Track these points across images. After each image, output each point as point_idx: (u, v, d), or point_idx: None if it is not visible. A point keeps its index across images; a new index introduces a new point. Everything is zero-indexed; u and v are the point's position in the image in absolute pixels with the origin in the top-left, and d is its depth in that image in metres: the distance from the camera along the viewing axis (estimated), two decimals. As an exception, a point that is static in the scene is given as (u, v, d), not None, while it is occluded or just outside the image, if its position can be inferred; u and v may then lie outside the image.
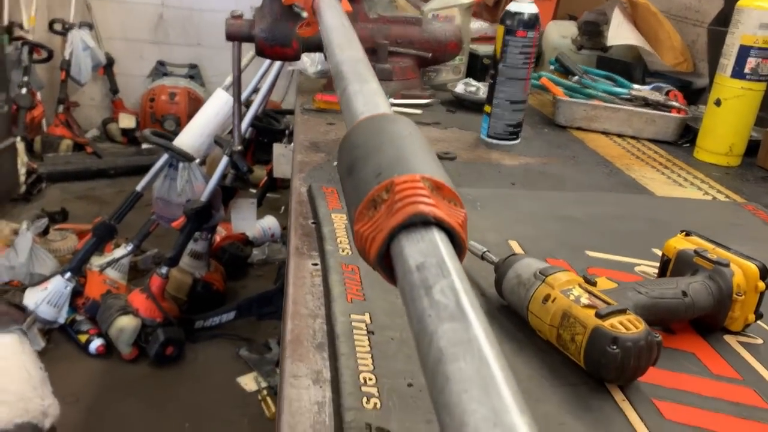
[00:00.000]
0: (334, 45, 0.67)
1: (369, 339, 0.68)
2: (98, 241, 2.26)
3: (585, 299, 0.69)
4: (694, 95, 1.47)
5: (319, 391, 0.65)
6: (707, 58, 1.45)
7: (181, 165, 2.16)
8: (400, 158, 0.53)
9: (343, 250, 0.84)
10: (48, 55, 3.47)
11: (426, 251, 0.36)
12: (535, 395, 0.63)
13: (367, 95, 0.56)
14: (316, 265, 0.83)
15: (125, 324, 2.17)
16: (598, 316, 0.66)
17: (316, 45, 1.13)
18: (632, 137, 1.35)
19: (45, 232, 2.58)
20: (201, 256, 2.39)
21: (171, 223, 2.18)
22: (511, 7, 1.22)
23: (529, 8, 1.20)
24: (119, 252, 2.29)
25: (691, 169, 1.21)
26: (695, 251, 0.78)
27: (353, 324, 0.70)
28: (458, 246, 0.52)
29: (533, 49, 1.21)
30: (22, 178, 2.98)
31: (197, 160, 2.18)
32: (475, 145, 1.27)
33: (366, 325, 0.71)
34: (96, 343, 2.24)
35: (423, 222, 0.54)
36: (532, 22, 1.19)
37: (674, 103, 1.33)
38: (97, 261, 2.30)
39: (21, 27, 3.47)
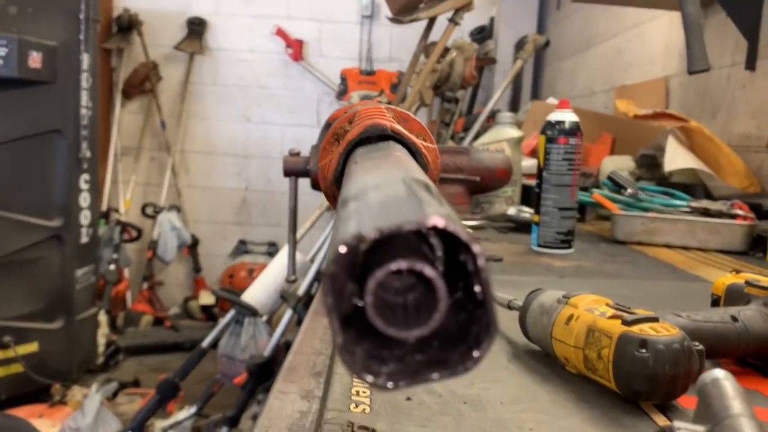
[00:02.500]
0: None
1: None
2: (161, 399, 2.23)
3: (611, 312, 0.62)
4: (765, 216, 1.39)
5: (306, 403, 0.59)
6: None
7: (246, 320, 2.16)
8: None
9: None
10: (137, 234, 3.69)
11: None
12: (554, 414, 0.54)
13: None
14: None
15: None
16: (625, 323, 0.58)
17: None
18: (697, 249, 1.27)
19: (114, 396, 2.58)
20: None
21: (233, 379, 2.14)
22: (551, 117, 1.22)
23: (569, 116, 1.20)
24: (182, 414, 2.24)
25: (765, 271, 1.11)
26: (746, 282, 0.69)
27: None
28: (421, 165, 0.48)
29: (577, 155, 1.20)
30: (101, 349, 3.05)
31: (264, 317, 2.19)
32: (526, 252, 1.22)
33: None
34: None
35: (380, 135, 0.51)
36: (573, 130, 1.19)
37: (739, 212, 1.26)
38: (160, 424, 2.25)
39: (117, 211, 3.74)
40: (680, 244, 1.28)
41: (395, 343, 0.26)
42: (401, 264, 0.23)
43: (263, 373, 2.03)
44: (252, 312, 2.14)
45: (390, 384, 0.25)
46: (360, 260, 0.25)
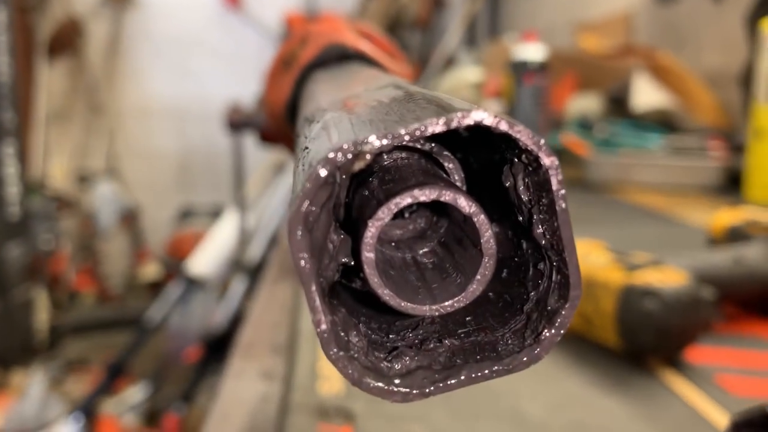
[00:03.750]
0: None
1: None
2: (110, 377, 2.14)
3: (609, 260, 0.54)
4: (738, 150, 1.36)
5: (267, 384, 0.51)
6: (742, 109, 1.36)
7: (194, 292, 2.07)
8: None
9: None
10: (73, 205, 3.55)
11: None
12: (551, 378, 0.47)
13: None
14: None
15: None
16: (627, 270, 0.51)
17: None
18: (673, 188, 1.23)
19: (61, 377, 2.49)
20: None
21: (183, 355, 2.05)
22: (517, 52, 1.15)
23: (536, 51, 1.13)
24: (133, 392, 2.15)
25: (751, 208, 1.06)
26: (747, 222, 0.63)
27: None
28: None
29: (545, 94, 1.13)
30: (43, 330, 2.92)
31: (210, 287, 2.09)
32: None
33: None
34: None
35: (341, 56, 0.42)
36: (541, 66, 1.12)
37: (713, 149, 1.21)
38: (110, 403, 2.16)
39: (49, 181, 3.57)
40: (655, 183, 1.23)
41: (410, 325, 0.18)
42: (425, 193, 0.15)
43: (218, 348, 1.95)
44: (199, 283, 2.05)
45: (411, 391, 0.16)
46: (343, 199, 0.16)
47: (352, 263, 0.16)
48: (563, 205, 0.16)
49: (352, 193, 0.18)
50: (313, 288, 0.14)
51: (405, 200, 0.15)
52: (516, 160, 0.17)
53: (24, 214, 2.73)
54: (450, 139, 0.18)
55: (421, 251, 0.19)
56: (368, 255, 0.15)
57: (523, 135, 0.15)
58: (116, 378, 2.21)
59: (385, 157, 0.18)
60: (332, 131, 0.16)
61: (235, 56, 3.96)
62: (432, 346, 0.17)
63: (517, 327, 0.17)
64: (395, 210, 0.15)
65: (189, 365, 2.11)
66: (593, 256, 0.55)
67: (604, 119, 1.48)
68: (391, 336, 0.17)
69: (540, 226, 0.17)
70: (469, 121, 0.15)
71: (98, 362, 2.74)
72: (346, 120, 0.17)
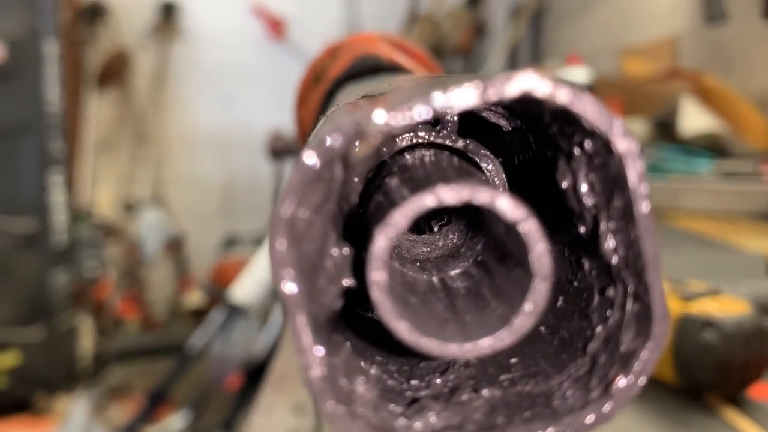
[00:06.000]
0: None
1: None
2: (151, 405, 2.12)
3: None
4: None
5: (298, 420, 0.48)
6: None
7: (236, 319, 2.05)
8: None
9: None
10: (118, 234, 3.57)
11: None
12: None
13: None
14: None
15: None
16: (684, 300, 0.48)
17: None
18: (724, 213, 1.17)
19: (103, 404, 2.48)
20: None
21: (225, 383, 2.03)
22: (562, 75, 1.12)
23: (581, 73, 1.10)
24: (174, 420, 2.14)
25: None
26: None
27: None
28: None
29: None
30: (88, 356, 2.94)
31: (254, 316, 2.08)
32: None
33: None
34: None
35: (374, 67, 0.39)
36: (587, 89, 1.08)
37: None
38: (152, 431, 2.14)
39: (96, 209, 3.60)
40: (706, 209, 1.18)
41: (438, 368, 0.14)
42: (453, 191, 0.11)
43: (260, 376, 1.93)
44: (241, 310, 2.03)
45: None
46: (352, 203, 0.13)
47: (359, 286, 0.13)
48: (645, 208, 0.12)
49: (367, 199, 0.14)
50: (302, 319, 0.11)
51: (426, 201, 0.11)
52: (578, 151, 0.13)
53: (71, 242, 2.77)
54: (490, 136, 0.14)
55: (452, 273, 0.15)
56: (377, 275, 0.11)
57: (590, 109, 0.12)
58: (158, 405, 2.19)
59: (407, 156, 0.14)
60: (335, 117, 0.13)
61: (278, 85, 3.99)
62: (465, 397, 0.13)
63: (580, 374, 0.13)
64: (413, 215, 0.11)
65: (230, 393, 2.09)
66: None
67: (652, 144, 1.43)
68: (412, 382, 0.14)
69: (610, 239, 0.13)
70: (514, 88, 0.11)
71: (141, 389, 2.75)
72: (369, 102, 0.14)
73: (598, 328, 0.13)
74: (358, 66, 0.38)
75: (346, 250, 0.13)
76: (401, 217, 0.11)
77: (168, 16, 3.93)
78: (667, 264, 0.54)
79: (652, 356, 0.12)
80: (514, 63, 3.45)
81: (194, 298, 3.87)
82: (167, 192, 4.08)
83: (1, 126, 2.44)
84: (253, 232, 3.99)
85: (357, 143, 0.11)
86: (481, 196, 0.11)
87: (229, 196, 4.17)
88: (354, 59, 0.39)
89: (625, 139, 0.12)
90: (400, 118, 0.11)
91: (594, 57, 2.48)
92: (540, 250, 0.12)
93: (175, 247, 3.95)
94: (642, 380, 0.12)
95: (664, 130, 1.51)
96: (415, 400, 0.13)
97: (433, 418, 0.13)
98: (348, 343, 0.13)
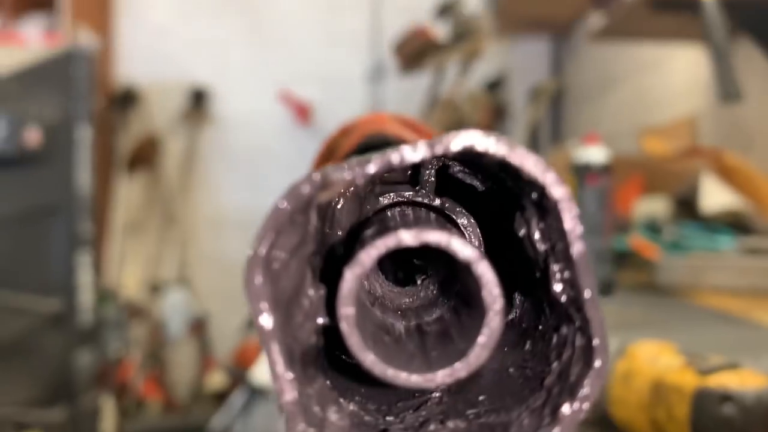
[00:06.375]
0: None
1: None
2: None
3: (681, 362, 0.51)
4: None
5: None
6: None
7: (258, 400, 2.04)
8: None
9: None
10: (143, 314, 3.59)
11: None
12: None
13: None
14: None
15: None
16: (701, 373, 0.47)
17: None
18: (749, 291, 1.16)
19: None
20: None
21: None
22: (579, 154, 1.14)
23: (597, 153, 1.11)
24: (194, 505, 2.10)
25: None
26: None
27: None
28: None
29: (609, 194, 1.10)
30: (110, 438, 2.91)
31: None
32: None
33: None
34: None
35: (381, 143, 0.40)
36: (604, 167, 1.10)
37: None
38: None
39: (121, 290, 3.64)
40: (729, 286, 1.17)
41: (414, 405, 0.15)
42: (412, 234, 0.13)
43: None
44: (262, 392, 2.02)
45: None
46: (328, 249, 0.14)
47: (332, 323, 0.14)
48: (580, 248, 0.13)
49: (350, 249, 0.15)
50: (276, 349, 0.12)
51: (387, 243, 0.13)
52: (528, 203, 0.14)
53: (96, 322, 2.79)
54: (466, 196, 0.16)
55: (427, 318, 0.16)
56: (345, 309, 0.13)
57: (526, 162, 0.13)
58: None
59: (388, 212, 0.16)
60: (311, 174, 0.15)
61: (303, 167, 3.99)
62: (432, 427, 0.15)
63: (536, 405, 0.14)
64: (377, 254, 0.13)
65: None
66: (663, 359, 0.51)
67: (673, 222, 1.43)
68: (388, 418, 0.15)
69: (558, 280, 0.14)
70: (458, 144, 0.13)
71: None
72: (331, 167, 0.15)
73: (554, 364, 0.14)
74: (367, 143, 0.39)
75: (322, 291, 0.14)
76: (366, 256, 0.13)
77: (198, 102, 4.05)
78: (687, 340, 0.54)
79: (594, 385, 0.13)
80: (534, 144, 3.50)
81: (216, 379, 3.85)
82: (192, 272, 4.12)
83: (32, 208, 2.51)
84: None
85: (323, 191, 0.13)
86: (436, 237, 0.13)
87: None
88: (364, 137, 0.41)
89: (558, 187, 0.13)
90: (357, 171, 0.12)
91: (614, 137, 2.51)
92: (490, 287, 0.13)
93: (198, 327, 3.95)
94: (586, 406, 0.13)
95: (686, 208, 1.50)
96: (385, 430, 0.14)
97: None
98: (324, 378, 0.14)
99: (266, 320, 0.12)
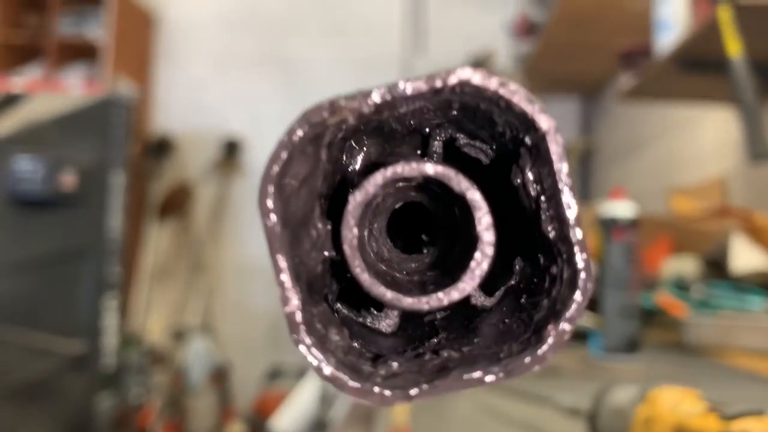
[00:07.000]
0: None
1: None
2: None
3: (703, 408, 0.50)
4: None
5: None
6: None
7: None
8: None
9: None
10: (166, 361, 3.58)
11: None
12: None
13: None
14: None
15: None
16: (724, 419, 0.46)
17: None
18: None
19: None
20: None
21: None
22: (606, 208, 1.13)
23: (624, 208, 1.11)
24: None
25: None
26: None
27: None
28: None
29: (636, 250, 1.09)
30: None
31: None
32: (584, 362, 1.09)
33: None
34: None
35: None
36: (631, 222, 1.09)
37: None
38: None
39: (146, 335, 3.64)
40: (760, 347, 1.14)
41: (409, 344, 0.16)
42: (410, 167, 0.13)
43: None
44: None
45: (393, 392, 0.14)
46: (331, 184, 0.15)
47: (338, 256, 0.15)
48: (563, 169, 0.14)
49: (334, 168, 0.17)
50: (282, 258, 0.13)
51: (387, 173, 0.14)
52: (523, 151, 0.15)
53: (119, 367, 2.79)
54: (473, 170, 0.16)
55: (430, 274, 0.17)
56: (349, 232, 0.13)
57: (516, 95, 0.13)
58: None
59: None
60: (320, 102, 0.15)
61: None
62: (427, 357, 0.15)
63: (525, 336, 0.15)
64: (381, 181, 0.14)
65: None
66: (685, 405, 0.50)
67: (702, 281, 1.41)
68: (375, 334, 0.15)
69: (547, 217, 0.15)
70: (454, 78, 0.13)
71: None
72: None
73: (545, 302, 0.14)
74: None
75: (329, 227, 0.15)
76: (370, 183, 0.13)
77: (231, 153, 4.12)
78: (714, 397, 0.52)
79: (580, 304, 0.13)
80: (564, 202, 3.49)
81: (235, 430, 3.81)
82: (216, 321, 4.13)
83: (64, 249, 2.55)
84: (298, 365, 3.98)
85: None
86: (435, 169, 0.13)
87: (276, 327, 4.19)
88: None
89: (545, 117, 0.13)
90: (362, 99, 0.13)
91: (643, 197, 2.51)
92: (481, 215, 0.13)
93: (220, 377, 3.93)
94: (569, 327, 0.13)
95: (715, 269, 1.48)
96: (379, 356, 0.14)
97: (395, 365, 0.15)
98: (327, 305, 0.14)
99: (273, 225, 0.13)
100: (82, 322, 2.63)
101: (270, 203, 0.13)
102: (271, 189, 0.13)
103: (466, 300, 0.16)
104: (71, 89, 3.23)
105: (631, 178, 3.06)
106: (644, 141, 2.93)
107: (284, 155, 0.13)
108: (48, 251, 2.55)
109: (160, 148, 4.04)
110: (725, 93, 1.38)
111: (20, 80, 3.25)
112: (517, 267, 0.16)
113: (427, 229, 0.17)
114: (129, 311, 3.61)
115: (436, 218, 0.17)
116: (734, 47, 1.26)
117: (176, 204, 4.07)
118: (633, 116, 3.03)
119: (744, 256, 1.40)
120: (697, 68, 1.57)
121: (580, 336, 1.24)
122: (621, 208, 1.12)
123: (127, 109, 2.73)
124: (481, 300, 0.16)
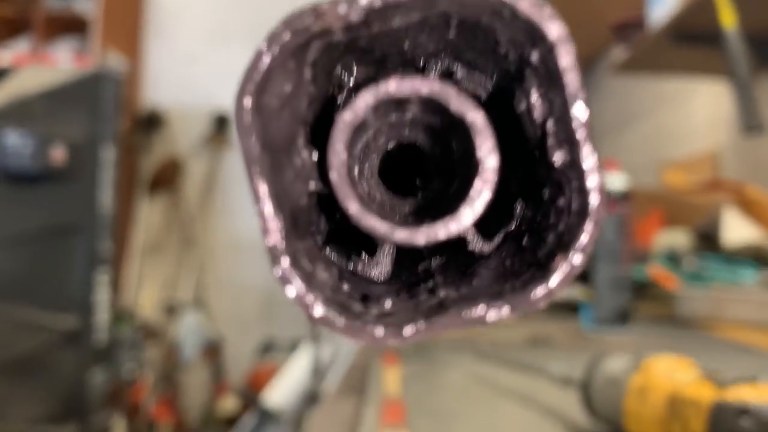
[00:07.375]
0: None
1: None
2: None
3: (697, 376, 0.50)
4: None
5: None
6: None
7: (268, 424, 2.02)
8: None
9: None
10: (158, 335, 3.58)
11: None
12: None
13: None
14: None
15: None
16: (718, 387, 0.47)
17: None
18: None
19: None
20: None
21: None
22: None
23: (616, 180, 1.11)
24: None
25: None
26: None
27: None
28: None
29: (628, 222, 1.09)
30: (119, 459, 2.89)
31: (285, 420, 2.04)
32: (575, 333, 1.10)
33: None
34: None
35: None
36: (623, 194, 1.09)
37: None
38: None
39: (138, 310, 3.64)
40: (751, 320, 1.15)
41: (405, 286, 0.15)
42: (407, 83, 0.12)
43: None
44: (273, 416, 2.00)
45: (385, 331, 0.13)
46: (316, 108, 0.14)
47: (325, 188, 0.14)
48: (575, 81, 0.13)
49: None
50: (261, 180, 0.12)
51: (380, 90, 0.13)
52: (528, 71, 0.14)
53: (111, 342, 2.79)
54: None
55: (424, 216, 0.16)
56: (336, 157, 0.12)
57: (522, 2, 0.12)
58: None
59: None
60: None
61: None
62: (423, 297, 0.14)
63: (529, 274, 0.14)
64: (372, 101, 0.12)
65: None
66: (680, 373, 0.50)
67: (693, 254, 1.42)
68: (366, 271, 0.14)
69: (555, 141, 0.14)
70: None
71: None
72: None
73: (550, 237, 0.14)
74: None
75: (315, 156, 0.14)
76: (360, 102, 0.12)
77: (221, 127, 4.09)
78: (708, 367, 0.52)
79: (591, 232, 0.12)
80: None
81: (229, 404, 3.82)
82: (209, 296, 4.13)
83: (54, 224, 2.53)
84: (291, 338, 3.98)
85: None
86: (430, 86, 0.12)
87: (269, 301, 4.19)
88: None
89: (555, 23, 0.12)
90: (351, 3, 0.12)
91: (634, 171, 2.50)
92: (482, 139, 0.12)
93: (212, 351, 3.94)
94: (579, 259, 0.12)
95: (707, 242, 1.49)
96: (367, 287, 0.14)
97: (388, 303, 0.14)
98: (313, 240, 0.13)
99: (253, 146, 0.12)
100: (73, 297, 2.63)
101: (247, 118, 0.12)
102: (248, 103, 0.12)
103: (463, 246, 0.15)
104: (60, 63, 3.19)
105: (624, 151, 3.06)
106: (637, 114, 2.93)
107: (264, 64, 0.12)
108: (38, 226, 2.54)
109: (151, 123, 4.00)
110: (718, 66, 1.38)
111: (8, 54, 3.21)
112: (517, 210, 0.15)
113: (422, 174, 0.16)
114: (121, 286, 3.60)
115: (432, 160, 0.16)
116: (728, 19, 1.26)
117: (167, 179, 4.04)
118: (626, 89, 3.01)
119: (735, 229, 1.40)
120: (691, 41, 1.56)
121: (571, 308, 1.24)
122: (613, 180, 1.12)
123: (116, 83, 2.70)
124: (479, 245, 0.15)
